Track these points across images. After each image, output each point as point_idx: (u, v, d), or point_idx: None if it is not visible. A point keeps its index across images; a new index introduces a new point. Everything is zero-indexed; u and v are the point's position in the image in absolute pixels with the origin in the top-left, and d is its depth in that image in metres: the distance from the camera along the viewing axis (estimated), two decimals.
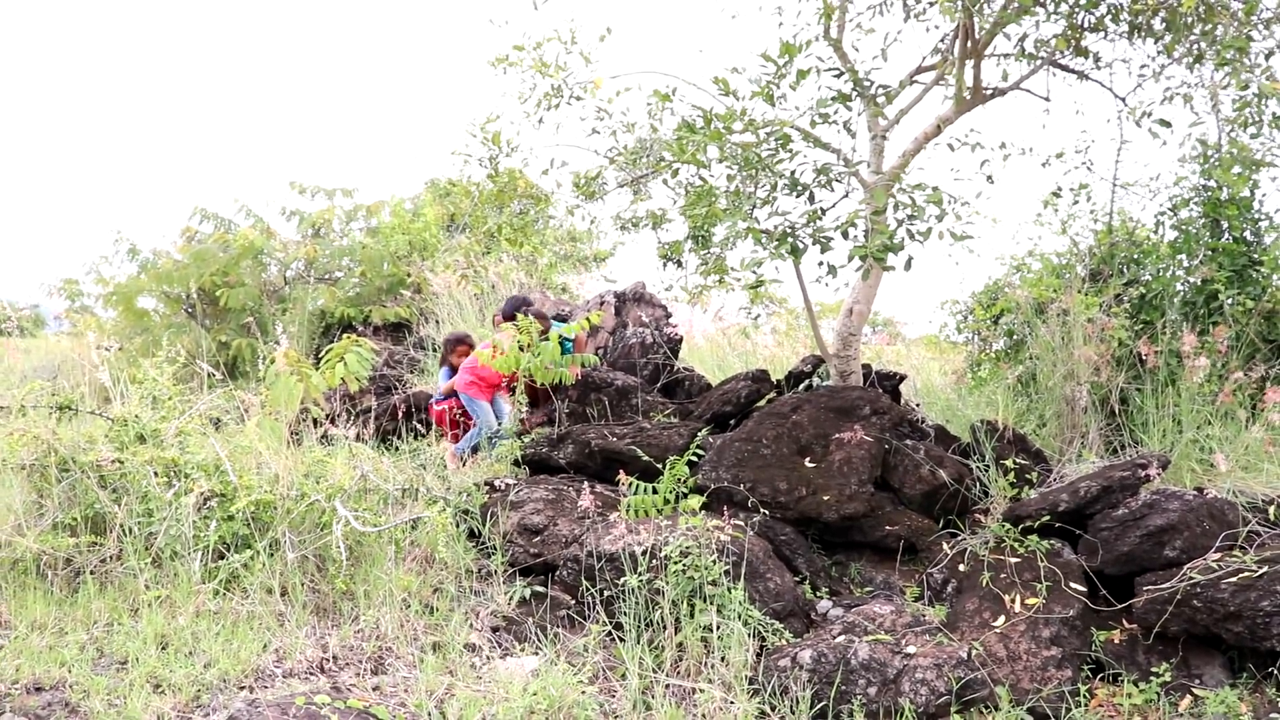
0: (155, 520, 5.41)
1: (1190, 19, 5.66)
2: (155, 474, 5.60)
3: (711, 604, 4.89)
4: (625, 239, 7.23)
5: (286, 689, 4.35)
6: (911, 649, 4.65)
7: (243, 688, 4.37)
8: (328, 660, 4.70)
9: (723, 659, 4.70)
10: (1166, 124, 6.31)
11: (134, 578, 5.18)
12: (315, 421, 7.40)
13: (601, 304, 10.01)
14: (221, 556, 5.36)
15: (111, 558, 5.37)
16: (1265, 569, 4.57)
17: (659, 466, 6.25)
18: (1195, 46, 5.94)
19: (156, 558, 5.34)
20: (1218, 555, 4.89)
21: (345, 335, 7.84)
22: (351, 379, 7.36)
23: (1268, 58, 6.02)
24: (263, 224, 12.52)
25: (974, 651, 4.73)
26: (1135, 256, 7.68)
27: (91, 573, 5.27)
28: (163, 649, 4.62)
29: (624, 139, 6.90)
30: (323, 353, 7.67)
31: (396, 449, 7.81)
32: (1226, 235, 7.16)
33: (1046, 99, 6.83)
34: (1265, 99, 5.68)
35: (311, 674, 4.57)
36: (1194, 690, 4.61)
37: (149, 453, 5.70)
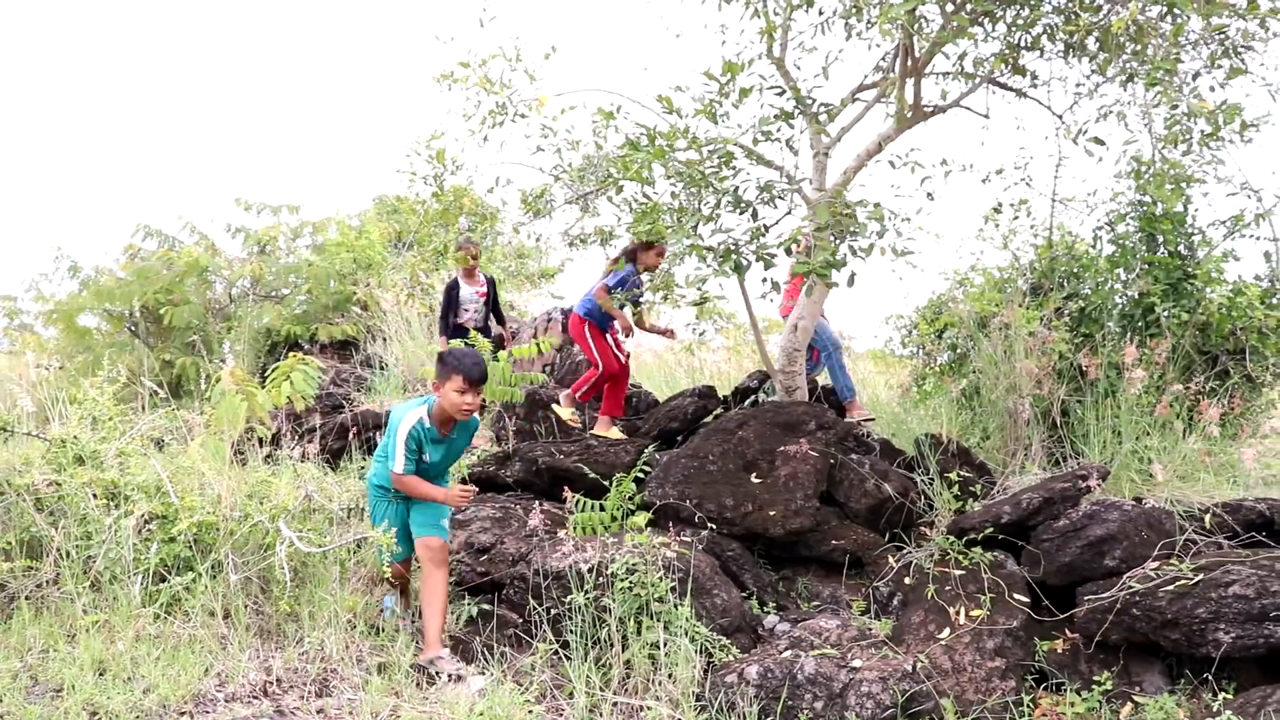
0: (94, 543, 5.31)
1: (1122, 39, 5.78)
2: (94, 496, 5.50)
3: (658, 621, 4.89)
4: (573, 256, 7.25)
5: (229, 713, 4.29)
6: (857, 663, 4.68)
7: (183, 713, 4.30)
8: (271, 683, 4.63)
9: (670, 676, 4.70)
10: (1101, 142, 6.44)
11: (71, 602, 5.08)
12: (261, 441, 7.32)
13: (549, 321, 10.02)
14: (163, 579, 5.28)
15: (48, 582, 5.26)
16: (1201, 577, 4.65)
17: (606, 484, 6.26)
18: (1127, 66, 6.07)
19: (95, 582, 5.25)
20: (1156, 564, 4.97)
21: (291, 353, 7.76)
22: (298, 398, 7.28)
23: (1195, 78, 6.17)
24: (207, 241, 12.39)
25: (919, 664, 4.77)
26: (1075, 270, 7.82)
27: (27, 598, 5.16)
28: (100, 675, 4.54)
29: (569, 156, 6.92)
30: (269, 371, 7.59)
31: (342, 468, 7.75)
32: (1162, 249, 7.31)
33: (986, 116, 6.94)
34: (1194, 117, 5.81)
35: (255, 698, 4.51)
36: (1135, 697, 4.67)
37: (88, 474, 5.60)
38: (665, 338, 8.37)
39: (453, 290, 8.71)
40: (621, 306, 7.30)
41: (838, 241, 5.76)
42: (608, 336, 7.51)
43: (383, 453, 5.27)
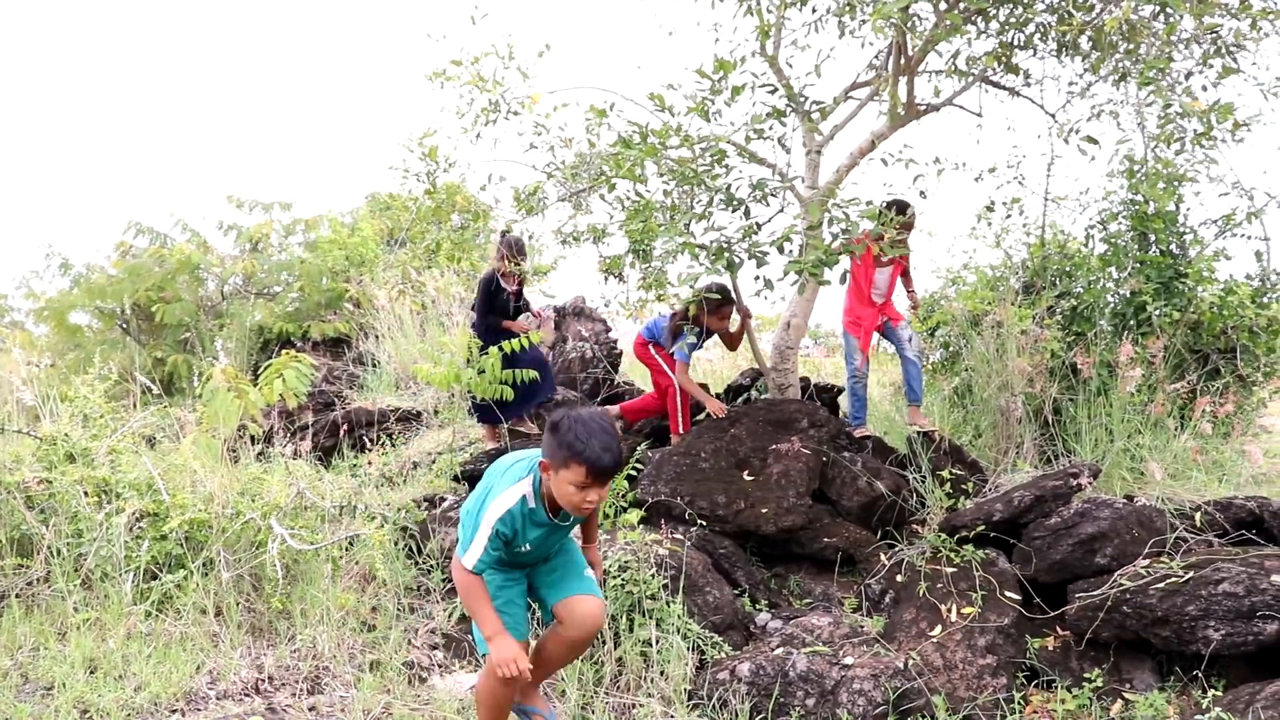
0: (85, 541, 5.30)
1: (1115, 38, 5.79)
2: (85, 494, 5.49)
3: (650, 618, 4.90)
4: (566, 254, 7.21)
5: (220, 711, 4.28)
6: (849, 660, 4.68)
7: (174, 711, 4.29)
8: (263, 681, 4.63)
9: (662, 673, 4.71)
10: (1094, 140, 6.46)
11: (62, 600, 5.07)
12: (253, 439, 7.31)
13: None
14: (154, 577, 5.26)
15: (38, 580, 5.25)
16: (1191, 574, 4.67)
17: None
18: (1120, 65, 6.09)
19: (86, 579, 5.23)
20: (1146, 562, 4.99)
21: (284, 351, 7.75)
22: (290, 395, 7.27)
23: (1187, 77, 6.19)
24: (199, 238, 12.34)
25: (911, 661, 4.78)
26: (1067, 269, 7.84)
27: (17, 596, 5.15)
28: (91, 673, 4.53)
29: (562, 154, 6.91)
30: (261, 369, 7.57)
31: (334, 466, 7.74)
32: (1154, 248, 7.34)
33: (979, 115, 6.96)
34: (1187, 117, 5.83)
35: (246, 695, 4.50)
36: (1125, 695, 4.69)
37: (79, 472, 5.59)
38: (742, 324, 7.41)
39: (492, 285, 7.63)
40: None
41: (830, 240, 5.76)
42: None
43: (469, 515, 3.75)
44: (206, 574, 5.27)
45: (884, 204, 6.55)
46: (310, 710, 4.39)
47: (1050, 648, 5.03)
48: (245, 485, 5.88)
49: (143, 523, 5.42)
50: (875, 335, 7.15)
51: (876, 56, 7.16)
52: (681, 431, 6.97)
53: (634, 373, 10.32)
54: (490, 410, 7.26)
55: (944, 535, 5.67)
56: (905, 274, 7.24)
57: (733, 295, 6.82)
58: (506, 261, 7.36)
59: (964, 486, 6.23)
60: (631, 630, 4.89)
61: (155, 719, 4.19)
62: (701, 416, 6.96)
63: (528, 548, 3.65)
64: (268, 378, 7.27)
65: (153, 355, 11.41)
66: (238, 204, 12.48)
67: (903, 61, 6.32)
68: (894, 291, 7.13)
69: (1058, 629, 5.10)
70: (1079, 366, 6.70)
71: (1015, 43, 6.53)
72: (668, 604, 4.94)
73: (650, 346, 7.33)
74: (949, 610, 5.13)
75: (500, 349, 6.87)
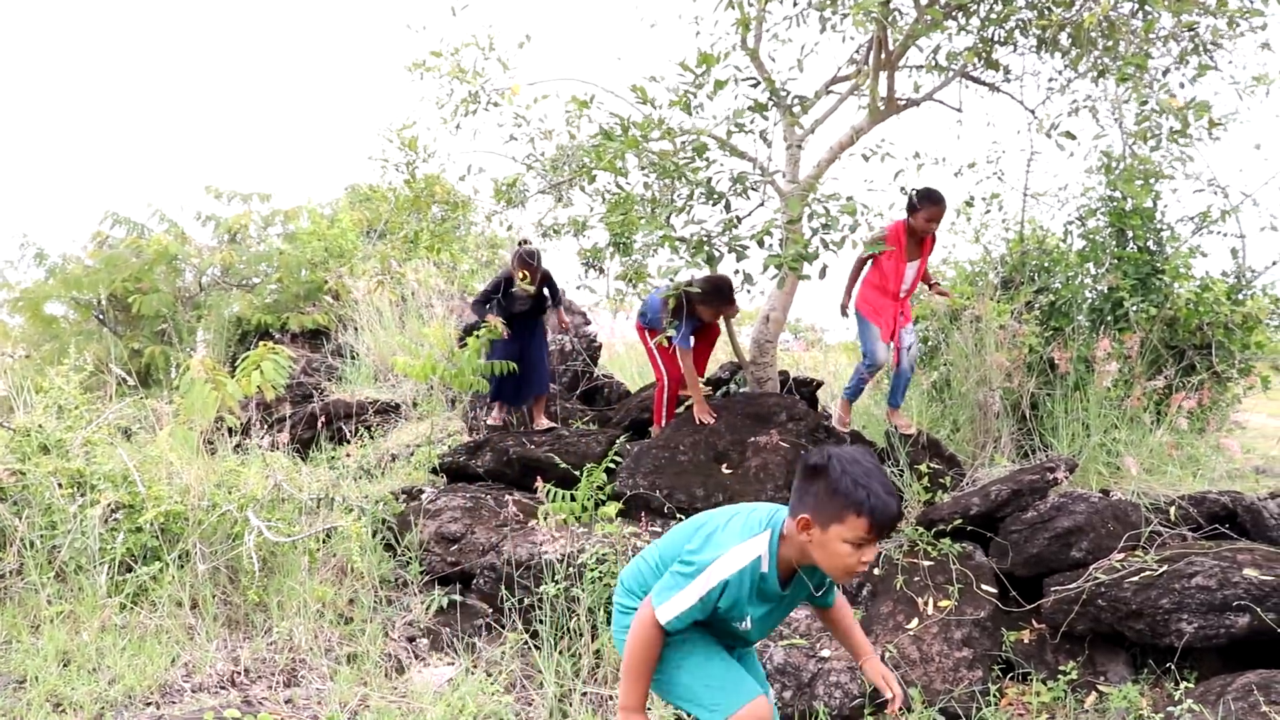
0: (59, 533, 5.27)
1: (1094, 35, 5.81)
2: (59, 486, 5.45)
3: None
4: (547, 246, 7.16)
5: (195, 704, 4.26)
6: (826, 653, 4.70)
7: (149, 704, 4.27)
8: (239, 673, 4.62)
9: None
10: (1072, 136, 6.48)
11: (35, 593, 5.04)
12: (230, 431, 7.27)
13: None
14: (129, 569, 5.24)
15: (11, 573, 5.21)
16: (1165, 568, 4.70)
17: (577, 474, 6.25)
18: (1099, 61, 6.10)
19: (60, 572, 5.20)
20: (1121, 555, 5.03)
21: (262, 342, 7.71)
22: (268, 387, 7.24)
23: (1165, 74, 6.22)
24: (177, 229, 12.25)
25: (887, 654, 4.80)
26: (1045, 264, 7.87)
27: None
28: (65, 666, 4.50)
29: (542, 146, 6.89)
30: (239, 360, 7.53)
31: (312, 458, 7.70)
32: (1131, 244, 7.37)
33: (959, 110, 6.97)
34: (1164, 114, 5.85)
35: (222, 688, 4.49)
36: (1099, 687, 4.72)
37: (53, 464, 5.55)
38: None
39: (500, 286, 7.42)
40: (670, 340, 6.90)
41: (810, 235, 5.76)
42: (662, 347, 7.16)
43: (655, 563, 3.08)
44: (182, 566, 5.24)
45: (915, 192, 6.52)
46: (287, 703, 4.38)
47: (1026, 641, 5.05)
48: (222, 477, 5.86)
49: (118, 515, 5.39)
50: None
51: (857, 51, 7.17)
52: (663, 424, 6.96)
53: (614, 365, 10.31)
54: (506, 388, 7.26)
55: (921, 529, 5.69)
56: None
57: (734, 296, 6.63)
58: (517, 273, 7.20)
59: (941, 481, 6.25)
60: (609, 622, 4.89)
61: (130, 712, 4.17)
62: (681, 410, 6.96)
63: (746, 625, 2.90)
64: (245, 369, 7.23)
65: (130, 346, 11.33)
66: (216, 195, 12.40)
67: (883, 56, 6.33)
68: (914, 289, 6.97)
69: (1033, 622, 5.13)
70: (1056, 362, 6.73)
71: (995, 38, 6.55)
72: None
73: (646, 332, 7.14)
74: (926, 603, 5.15)
75: (477, 337, 6.89)
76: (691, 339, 6.78)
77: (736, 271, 6.03)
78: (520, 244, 7.27)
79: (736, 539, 2.80)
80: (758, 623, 2.91)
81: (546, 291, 7.45)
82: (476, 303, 7.40)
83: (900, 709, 3.10)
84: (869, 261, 6.73)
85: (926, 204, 6.45)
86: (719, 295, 6.53)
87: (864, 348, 6.87)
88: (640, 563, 3.12)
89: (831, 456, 2.69)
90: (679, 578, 2.81)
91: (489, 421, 7.29)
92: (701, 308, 6.61)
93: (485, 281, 9.13)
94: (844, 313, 6.98)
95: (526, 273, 7.13)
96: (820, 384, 7.94)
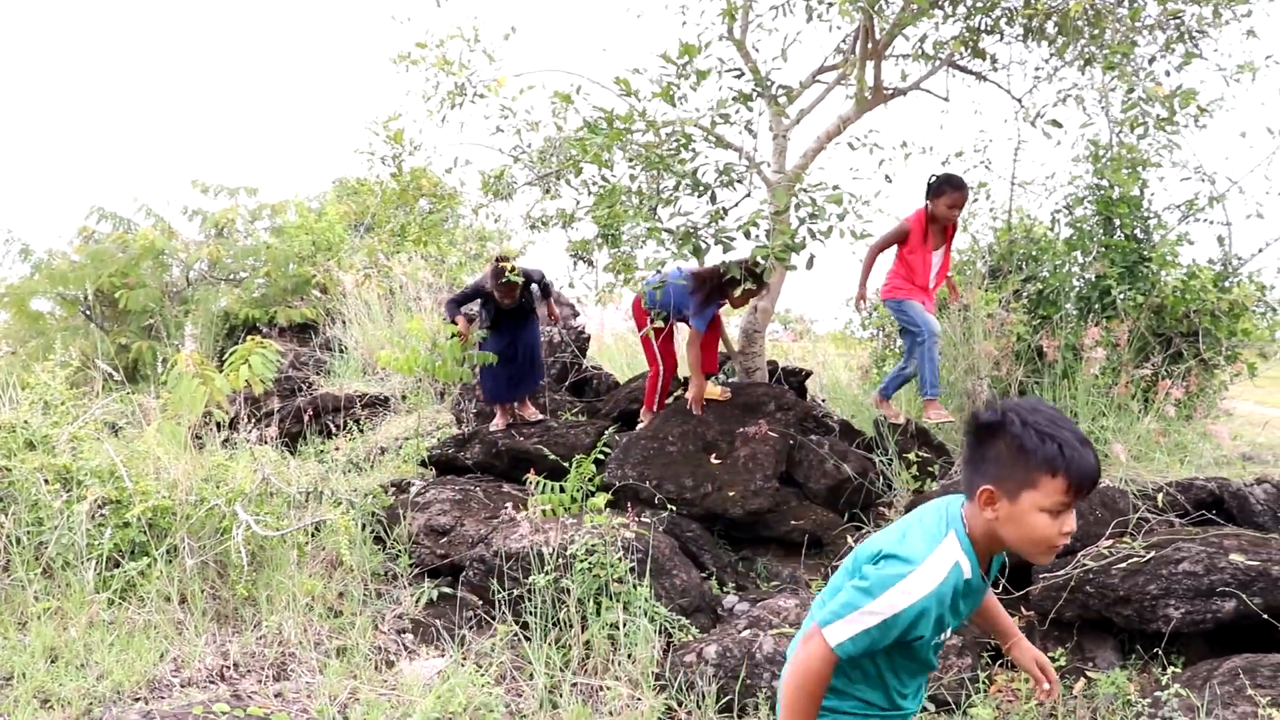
0: (46, 529, 5.25)
1: (1080, 23, 5.82)
2: (46, 481, 5.43)
3: (618, 601, 4.90)
4: (535, 238, 7.15)
5: (184, 699, 4.25)
6: None
7: (137, 699, 4.26)
8: (228, 668, 4.61)
9: (629, 656, 4.72)
10: (1058, 124, 6.49)
11: (22, 589, 5.02)
12: (219, 425, 7.25)
13: None
14: (117, 565, 5.22)
15: None
16: (1152, 554, 4.72)
17: (566, 465, 6.25)
18: (1085, 50, 6.12)
19: (47, 568, 5.18)
20: (1109, 542, 5.04)
21: (250, 337, 7.69)
22: (256, 381, 7.21)
23: (1151, 62, 6.23)
24: (164, 224, 12.19)
25: None
26: (1033, 253, 7.88)
27: None
28: (52, 662, 4.49)
29: (528, 137, 6.88)
30: (227, 355, 7.51)
31: (301, 452, 7.69)
32: (1118, 233, 7.39)
33: (946, 99, 6.97)
34: (1150, 102, 5.87)
35: (211, 682, 4.48)
36: (1088, 673, 4.74)
37: (39, 460, 5.53)
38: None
39: (479, 291, 7.31)
40: (666, 320, 6.77)
41: (797, 225, 5.76)
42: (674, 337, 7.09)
43: (858, 569, 2.35)
44: (170, 561, 5.23)
45: (936, 177, 6.46)
46: (276, 697, 4.37)
47: None
48: (210, 472, 5.84)
49: (105, 510, 5.38)
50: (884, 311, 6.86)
51: (844, 40, 7.16)
52: (654, 409, 6.93)
53: (603, 356, 10.30)
54: (500, 385, 7.19)
55: None
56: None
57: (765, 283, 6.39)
58: (496, 294, 7.06)
59: (930, 469, 6.27)
60: (599, 613, 4.90)
61: (118, 708, 4.16)
62: (672, 401, 6.96)
63: (946, 635, 2.40)
64: (233, 364, 7.20)
65: (116, 342, 11.29)
66: (203, 189, 12.34)
67: (870, 45, 6.33)
68: (941, 281, 6.88)
69: (1022, 609, 5.14)
70: (1044, 350, 6.75)
71: (982, 27, 6.54)
72: (635, 587, 4.95)
73: (650, 316, 6.86)
74: None
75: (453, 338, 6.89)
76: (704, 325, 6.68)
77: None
78: (497, 261, 7.08)
79: (916, 552, 2.24)
80: (954, 624, 2.38)
81: (535, 288, 7.37)
82: (451, 302, 7.28)
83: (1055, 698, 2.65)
84: (881, 251, 6.70)
85: (948, 189, 6.38)
86: (753, 277, 6.26)
87: (916, 325, 6.59)
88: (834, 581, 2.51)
89: (1007, 409, 2.20)
90: (855, 595, 2.25)
91: (492, 427, 7.21)
92: (732, 291, 6.39)
93: (474, 275, 9.07)
94: (858, 306, 6.96)
95: (506, 297, 6.97)
96: (809, 373, 7.94)
